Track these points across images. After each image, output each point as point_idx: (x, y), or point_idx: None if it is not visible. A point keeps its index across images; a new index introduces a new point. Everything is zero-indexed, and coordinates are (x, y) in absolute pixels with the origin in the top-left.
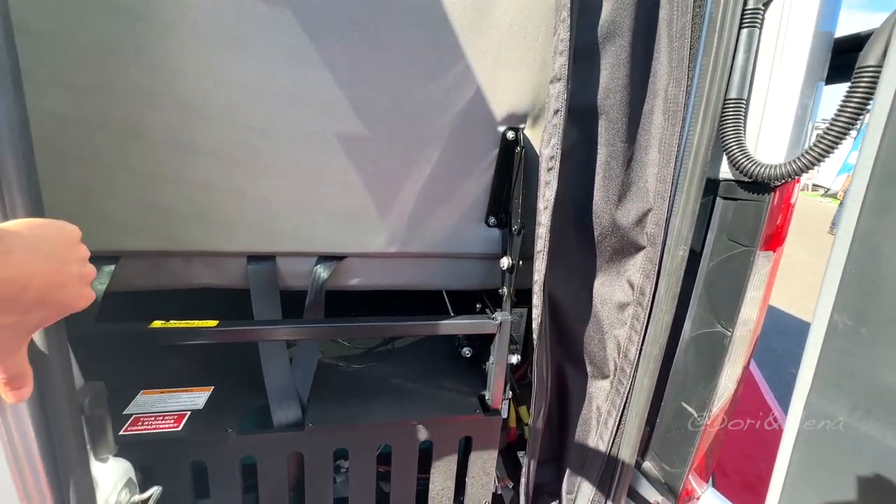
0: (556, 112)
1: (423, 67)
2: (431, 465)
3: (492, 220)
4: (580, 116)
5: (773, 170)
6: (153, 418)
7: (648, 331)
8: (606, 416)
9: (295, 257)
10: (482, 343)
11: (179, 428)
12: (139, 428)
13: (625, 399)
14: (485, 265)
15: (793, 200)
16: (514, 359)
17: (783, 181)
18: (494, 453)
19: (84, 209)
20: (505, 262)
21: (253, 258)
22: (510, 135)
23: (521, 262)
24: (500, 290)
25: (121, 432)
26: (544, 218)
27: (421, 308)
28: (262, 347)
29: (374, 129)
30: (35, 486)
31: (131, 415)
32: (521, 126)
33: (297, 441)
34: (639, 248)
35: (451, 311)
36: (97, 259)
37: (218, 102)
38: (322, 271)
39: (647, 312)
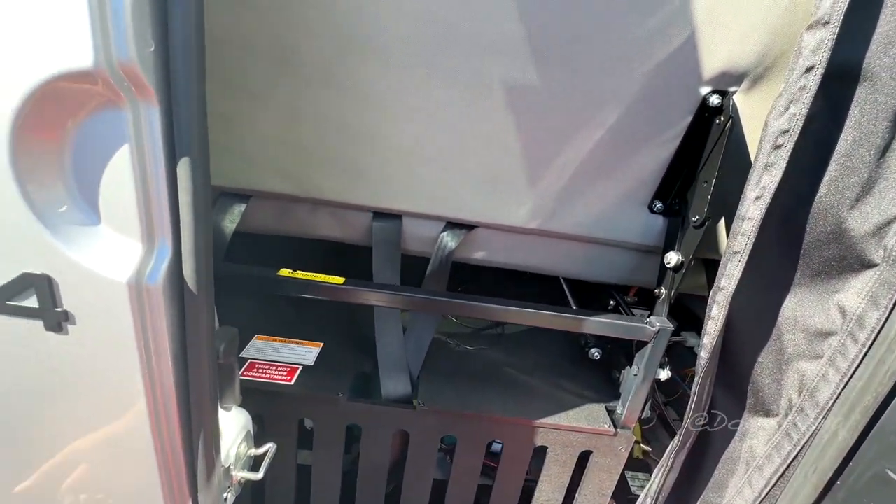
0: (810, 70)
1: (624, 5)
2: (542, 470)
3: (658, 204)
4: (824, 80)
5: None
6: (267, 366)
7: (859, 373)
8: (763, 461)
9: (422, 220)
10: (615, 346)
11: (292, 382)
12: (254, 374)
13: (799, 448)
14: (634, 257)
15: None
16: (664, 374)
17: None
18: (616, 475)
19: (224, 139)
20: (673, 258)
21: (379, 215)
22: (714, 99)
23: (693, 262)
24: (656, 291)
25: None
26: (755, 210)
27: (525, 290)
28: (378, 312)
29: (546, 78)
30: (168, 431)
31: (247, 359)
32: (732, 89)
33: (406, 419)
34: (867, 265)
35: (571, 302)
36: (229, 196)
37: (375, 34)
38: (449, 239)
39: (864, 350)
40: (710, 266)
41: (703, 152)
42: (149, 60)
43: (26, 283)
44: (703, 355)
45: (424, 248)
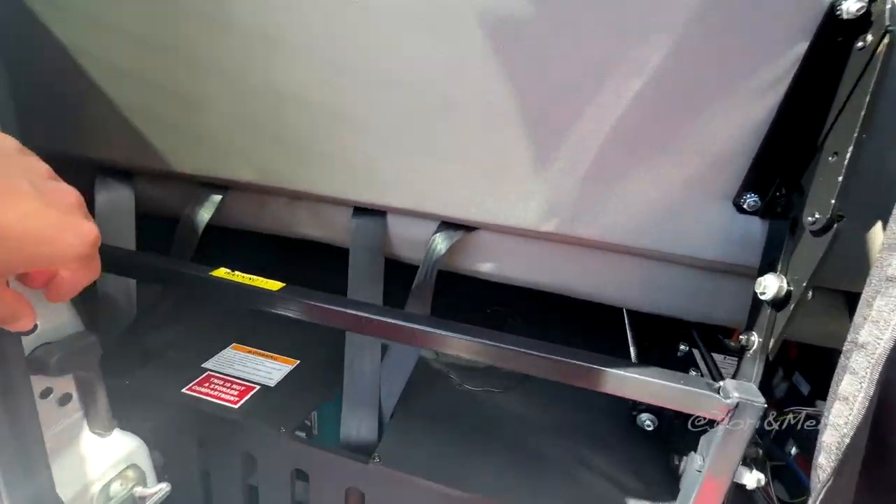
0: None
1: None
2: None
3: (751, 198)
4: None
5: None
6: (222, 382)
7: None
8: None
9: (410, 217)
10: (676, 413)
11: (237, 406)
12: (204, 390)
13: None
14: (713, 281)
15: None
16: (751, 480)
17: None
18: None
19: (194, 125)
20: (771, 284)
21: (360, 211)
22: (850, 6)
23: (811, 293)
24: (742, 338)
25: (184, 389)
26: None
27: (579, 318)
28: (349, 332)
29: (551, 7)
30: None
31: (206, 370)
32: None
33: (359, 476)
34: None
35: (630, 339)
36: (204, 186)
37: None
38: (440, 243)
39: None
40: (853, 302)
41: (832, 105)
42: None
43: None
44: (823, 462)
45: (415, 254)
